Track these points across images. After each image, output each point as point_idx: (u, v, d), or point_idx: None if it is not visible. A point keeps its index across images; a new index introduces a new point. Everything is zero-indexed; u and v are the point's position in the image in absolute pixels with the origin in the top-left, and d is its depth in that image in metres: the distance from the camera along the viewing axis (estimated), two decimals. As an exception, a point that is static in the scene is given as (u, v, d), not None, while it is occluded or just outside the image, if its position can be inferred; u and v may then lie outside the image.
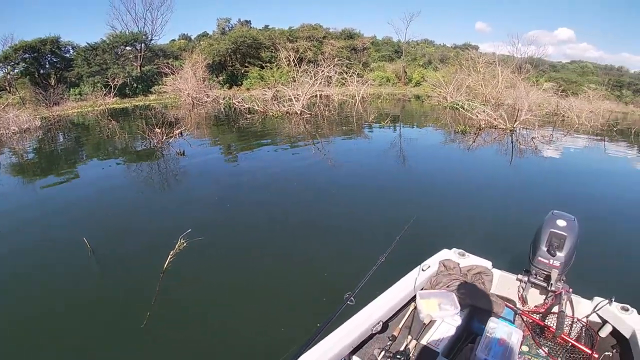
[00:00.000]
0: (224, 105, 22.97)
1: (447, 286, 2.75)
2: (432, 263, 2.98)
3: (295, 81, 21.99)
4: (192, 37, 52.45)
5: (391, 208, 6.69)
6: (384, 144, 12.94)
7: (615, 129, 19.79)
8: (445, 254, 3.12)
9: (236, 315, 3.87)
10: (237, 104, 21.09)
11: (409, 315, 2.63)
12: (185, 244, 4.30)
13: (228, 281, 4.47)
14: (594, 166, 11.13)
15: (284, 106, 19.03)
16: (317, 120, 17.12)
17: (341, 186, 8.15)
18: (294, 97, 19.37)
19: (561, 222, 2.58)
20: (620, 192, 8.50)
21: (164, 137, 11.60)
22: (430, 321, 2.50)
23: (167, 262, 4.17)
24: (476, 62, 29.93)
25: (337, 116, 18.70)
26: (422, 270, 2.89)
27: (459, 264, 2.97)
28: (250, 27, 41.86)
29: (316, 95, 22.56)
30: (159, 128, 12.14)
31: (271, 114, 18.34)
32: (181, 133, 12.33)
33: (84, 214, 6.61)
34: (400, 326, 2.50)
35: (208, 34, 50.30)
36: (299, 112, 18.31)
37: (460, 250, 3.12)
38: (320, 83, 21.39)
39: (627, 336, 2.37)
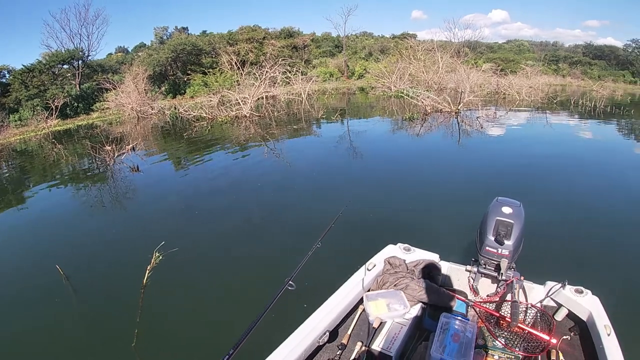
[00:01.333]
0: (170, 116, 22.83)
1: (395, 285, 2.71)
2: (378, 261, 2.93)
3: (239, 84, 22.18)
4: (129, 49, 51.40)
5: (332, 201, 6.90)
6: (333, 138, 13.45)
7: (555, 101, 21.51)
8: (390, 250, 3.08)
9: (215, 316, 4.16)
10: (183, 112, 21.10)
11: (357, 320, 2.56)
12: (160, 257, 4.30)
13: (205, 287, 4.74)
14: (537, 142, 11.64)
15: (232, 110, 19.28)
16: (266, 122, 17.54)
17: (293, 183, 8.63)
18: (241, 101, 19.62)
19: (507, 209, 2.53)
20: (562, 168, 8.83)
21: (116, 155, 11.65)
22: (380, 323, 2.47)
23: (145, 277, 4.14)
24: (416, 50, 31.16)
25: (285, 115, 19.19)
26: (368, 270, 2.84)
27: (405, 260, 2.92)
28: (189, 34, 41.48)
29: (263, 97, 22.89)
30: (109, 145, 12.20)
31: (220, 119, 18.56)
32: (133, 148, 12.42)
33: (51, 242, 6.57)
34: (349, 332, 2.44)
35: (145, 44, 49.40)
36: (247, 115, 18.63)
37: (406, 245, 3.09)
38: (266, 84, 21.70)
39: (584, 318, 2.42)
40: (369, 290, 2.77)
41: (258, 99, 20.86)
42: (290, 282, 2.17)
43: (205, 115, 19.36)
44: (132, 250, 5.70)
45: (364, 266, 2.86)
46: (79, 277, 5.11)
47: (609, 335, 2.14)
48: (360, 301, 2.66)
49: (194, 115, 19.90)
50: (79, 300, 4.72)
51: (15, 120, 25.65)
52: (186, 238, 5.92)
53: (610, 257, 4.83)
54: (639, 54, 47.13)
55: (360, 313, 2.60)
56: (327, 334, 2.32)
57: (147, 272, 4.14)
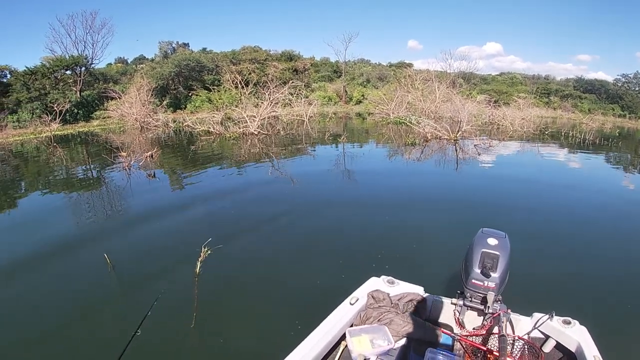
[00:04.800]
0: (175, 129, 23.01)
1: (378, 320, 2.63)
2: (361, 295, 2.84)
3: (242, 103, 22.53)
4: (129, 61, 51.63)
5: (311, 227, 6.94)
6: (331, 161, 13.41)
7: (546, 132, 22.37)
8: (373, 283, 3.00)
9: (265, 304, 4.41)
10: (191, 125, 21.39)
11: (340, 357, 2.48)
12: (209, 252, 4.69)
13: (251, 280, 4.99)
14: (525, 171, 11.93)
15: (239, 127, 19.57)
16: (272, 140, 17.84)
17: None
18: (249, 119, 19.94)
19: (492, 241, 2.52)
20: (549, 198, 8.90)
21: (132, 161, 11.77)
22: None
23: (198, 268, 4.49)
24: (414, 79, 32.05)
25: (291, 135, 19.52)
26: (350, 304, 2.74)
27: (388, 293, 2.86)
28: (192, 51, 41.98)
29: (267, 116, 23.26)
30: (124, 152, 12.34)
31: (228, 135, 18.79)
32: (151, 155, 12.56)
33: (97, 235, 6.73)
34: None
35: (145, 57, 49.71)
36: (256, 132, 18.91)
37: (390, 278, 3.02)
38: (273, 104, 22.10)
39: (573, 349, 2.40)
40: (351, 326, 2.68)
41: (264, 117, 21.16)
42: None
43: (213, 130, 19.62)
44: (172, 247, 6.00)
45: (346, 300, 2.78)
46: (124, 267, 5.34)
47: None
48: (343, 337, 2.57)
49: (202, 130, 20.11)
50: (123, 288, 4.94)
51: (14, 122, 25.48)
52: (231, 237, 6.15)
53: (597, 287, 4.82)
54: (628, 89, 49.27)
55: (343, 350, 2.51)
56: None
57: (199, 263, 4.47)
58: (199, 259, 4.64)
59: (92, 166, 13.25)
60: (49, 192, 9.98)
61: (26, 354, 3.66)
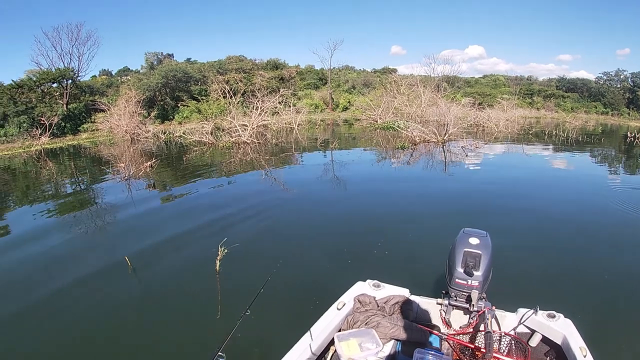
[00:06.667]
0: (165, 140, 23.14)
1: (366, 323, 2.66)
2: (347, 300, 2.87)
3: (231, 112, 22.79)
4: (113, 72, 51.46)
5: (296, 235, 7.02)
6: (319, 168, 13.43)
7: (530, 132, 23.02)
8: (359, 287, 3.03)
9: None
10: (183, 136, 21.63)
11: None
12: (225, 250, 5.24)
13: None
14: (507, 170, 12.38)
15: (231, 136, 19.84)
16: (265, 148, 18.08)
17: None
18: (240, 128, 20.22)
19: (474, 240, 2.56)
20: (531, 195, 9.18)
21: (131, 171, 11.94)
22: None
23: (217, 265, 5.13)
24: (399, 84, 32.64)
25: (281, 143, 19.77)
26: (337, 309, 2.78)
27: (374, 297, 2.89)
28: (177, 62, 42.11)
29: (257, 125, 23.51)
30: (122, 163, 12.53)
31: (221, 144, 19.03)
32: (151, 166, 12.73)
33: (115, 240, 7.06)
34: None
35: (129, 68, 49.64)
36: (248, 141, 19.19)
37: (375, 282, 3.06)
38: (264, 113, 22.40)
39: (559, 342, 2.46)
40: (339, 330, 2.70)
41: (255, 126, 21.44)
42: (219, 352, 2.22)
43: (205, 140, 19.83)
44: (188, 248, 6.35)
45: (333, 305, 2.82)
46: (143, 268, 5.62)
47: (585, 357, 2.21)
48: (332, 342, 2.60)
49: (194, 140, 20.32)
50: (143, 287, 5.22)
51: (1, 136, 25.32)
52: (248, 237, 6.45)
53: (580, 280, 4.91)
54: (610, 86, 50.66)
55: (332, 354, 2.56)
56: None
57: (218, 260, 5.13)
58: (218, 258, 5.19)
59: (91, 178, 13.31)
60: (57, 204, 10.12)
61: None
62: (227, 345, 2.31)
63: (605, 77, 52.23)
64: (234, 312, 4.18)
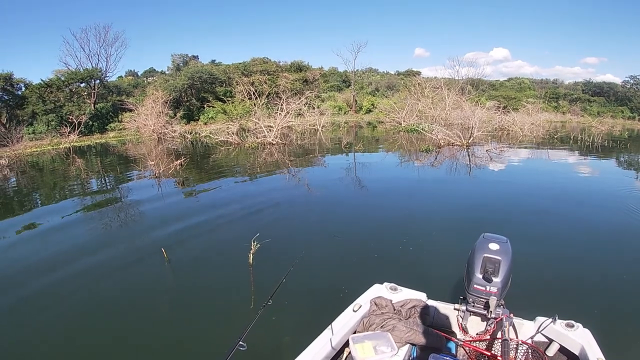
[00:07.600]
0: (192, 140, 23.29)
1: (381, 326, 2.62)
2: (364, 302, 2.84)
3: (256, 114, 22.81)
4: (139, 73, 52.27)
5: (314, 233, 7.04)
6: (340, 169, 13.31)
7: (555, 137, 22.37)
8: (376, 289, 3.00)
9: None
10: (210, 135, 21.74)
11: None
12: (259, 245, 5.28)
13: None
14: (532, 175, 11.88)
15: (257, 137, 19.80)
16: (289, 149, 17.94)
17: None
18: (266, 129, 20.16)
19: (494, 246, 2.52)
20: (553, 201, 8.76)
21: (162, 169, 11.93)
22: None
23: (251, 258, 5.20)
24: (423, 87, 32.26)
25: (305, 145, 19.64)
26: (354, 311, 2.75)
27: (391, 300, 2.85)
28: (203, 63, 42.48)
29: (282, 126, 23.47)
30: (152, 161, 12.53)
31: (247, 145, 18.99)
32: (181, 164, 12.71)
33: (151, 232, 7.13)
34: None
35: (155, 69, 50.33)
36: (274, 142, 19.10)
37: (392, 284, 3.02)
38: (290, 114, 22.33)
39: (576, 352, 2.38)
40: (354, 333, 2.66)
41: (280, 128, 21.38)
42: (240, 341, 2.20)
43: (231, 140, 19.85)
44: (221, 242, 6.54)
45: (349, 307, 2.79)
46: (178, 260, 5.77)
47: None
48: (346, 344, 2.56)
49: (220, 140, 20.38)
50: (179, 277, 5.42)
51: (29, 133, 25.86)
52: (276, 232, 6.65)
53: (600, 290, 4.75)
54: (637, 90, 48.99)
55: (346, 356, 2.53)
56: None
57: (252, 254, 5.21)
58: (251, 252, 5.21)
59: (123, 175, 13.39)
60: (95, 199, 10.26)
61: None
62: (249, 334, 2.31)
63: (632, 81, 50.39)
64: (257, 304, 4.22)
